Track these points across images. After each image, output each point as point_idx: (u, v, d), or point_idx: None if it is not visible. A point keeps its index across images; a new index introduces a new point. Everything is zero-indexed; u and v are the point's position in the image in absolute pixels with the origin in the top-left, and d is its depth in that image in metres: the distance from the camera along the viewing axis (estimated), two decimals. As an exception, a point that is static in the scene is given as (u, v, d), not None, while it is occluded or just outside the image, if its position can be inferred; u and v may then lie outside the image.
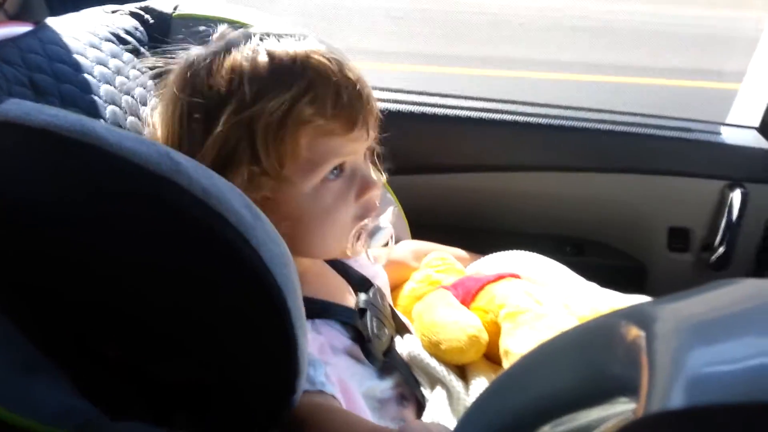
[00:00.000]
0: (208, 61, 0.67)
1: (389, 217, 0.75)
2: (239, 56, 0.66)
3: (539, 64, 3.23)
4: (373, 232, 0.72)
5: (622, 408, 0.28)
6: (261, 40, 0.68)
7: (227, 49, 0.67)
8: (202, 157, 0.63)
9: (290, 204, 0.67)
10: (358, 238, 0.71)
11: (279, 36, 0.69)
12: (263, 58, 0.66)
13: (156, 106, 0.73)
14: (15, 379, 0.45)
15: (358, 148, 0.70)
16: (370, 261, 0.74)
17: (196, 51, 0.70)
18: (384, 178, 0.80)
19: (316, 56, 0.66)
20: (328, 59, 0.67)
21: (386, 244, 0.75)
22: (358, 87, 0.68)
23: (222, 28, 0.74)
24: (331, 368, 0.65)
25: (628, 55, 3.33)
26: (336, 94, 0.66)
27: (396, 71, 3.13)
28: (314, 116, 0.65)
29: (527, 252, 0.99)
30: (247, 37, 0.68)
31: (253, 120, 0.63)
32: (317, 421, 0.59)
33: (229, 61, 0.66)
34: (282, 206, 0.67)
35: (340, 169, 0.69)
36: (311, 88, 0.65)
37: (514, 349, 0.75)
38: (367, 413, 0.68)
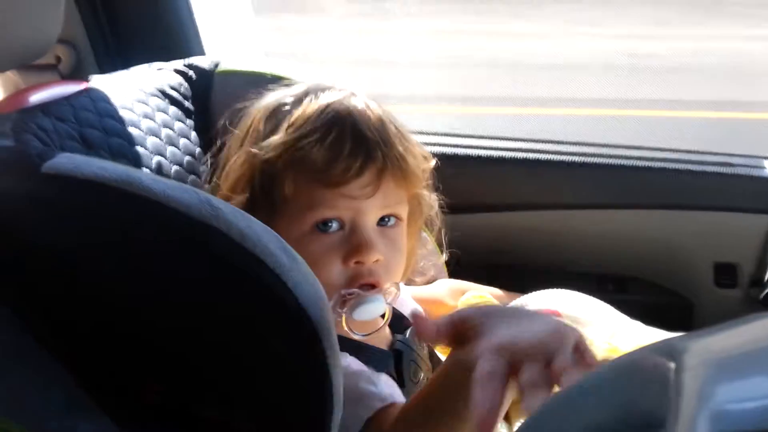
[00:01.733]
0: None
1: (393, 295, 0.68)
2: (277, 100, 0.72)
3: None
4: (360, 303, 0.64)
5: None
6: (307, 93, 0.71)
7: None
8: (224, 180, 0.71)
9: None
10: (343, 305, 0.65)
11: (325, 89, 0.71)
12: (293, 103, 0.70)
13: None
14: (61, 416, 0.47)
15: (360, 206, 0.66)
16: (346, 331, 0.66)
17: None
18: (433, 241, 0.78)
19: (336, 105, 0.67)
20: (348, 111, 0.67)
21: (382, 318, 0.68)
22: (375, 142, 0.66)
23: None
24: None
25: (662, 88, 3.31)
26: (337, 143, 0.65)
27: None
28: (305, 160, 0.65)
29: (568, 290, 0.98)
30: (296, 88, 0.73)
31: (257, 154, 0.68)
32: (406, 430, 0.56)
33: (266, 102, 0.73)
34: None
35: (339, 224, 0.67)
36: (313, 134, 0.65)
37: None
38: None
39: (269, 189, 0.68)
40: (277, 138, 0.67)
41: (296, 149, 0.66)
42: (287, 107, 0.70)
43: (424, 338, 0.45)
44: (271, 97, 0.75)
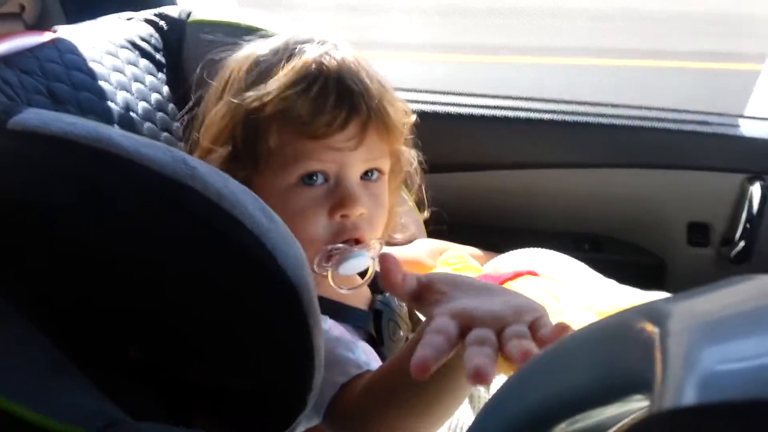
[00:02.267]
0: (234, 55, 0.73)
1: (377, 250, 0.68)
2: (257, 50, 0.70)
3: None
4: (345, 258, 0.64)
5: (637, 406, 0.27)
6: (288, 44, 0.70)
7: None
8: (204, 132, 0.70)
9: (263, 196, 0.61)
10: (328, 259, 0.65)
11: (306, 41, 0.69)
12: (274, 54, 0.69)
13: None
14: (39, 381, 0.46)
15: (345, 158, 0.66)
16: (333, 286, 0.66)
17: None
18: (411, 199, 0.77)
19: (321, 58, 0.66)
20: (333, 63, 0.66)
21: (364, 276, 0.68)
22: (359, 94, 0.66)
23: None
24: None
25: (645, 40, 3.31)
26: (322, 95, 0.64)
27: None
28: (290, 112, 0.64)
29: (545, 249, 0.98)
30: (277, 39, 0.72)
31: (239, 105, 0.66)
32: (380, 398, 0.56)
33: (246, 53, 0.71)
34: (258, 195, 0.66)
35: (324, 177, 0.66)
36: (297, 85, 0.65)
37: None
38: None
39: (253, 141, 0.67)
40: (260, 89, 0.66)
41: (281, 100, 0.65)
42: (269, 59, 0.69)
43: (388, 282, 0.44)
44: (250, 48, 0.73)
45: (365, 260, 0.65)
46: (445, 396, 0.53)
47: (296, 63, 0.66)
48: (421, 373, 0.39)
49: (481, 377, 0.38)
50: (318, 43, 0.69)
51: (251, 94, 0.66)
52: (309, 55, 0.67)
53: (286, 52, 0.68)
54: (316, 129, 0.64)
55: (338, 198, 0.66)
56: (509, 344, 0.41)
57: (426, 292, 0.47)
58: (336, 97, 0.65)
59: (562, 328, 0.42)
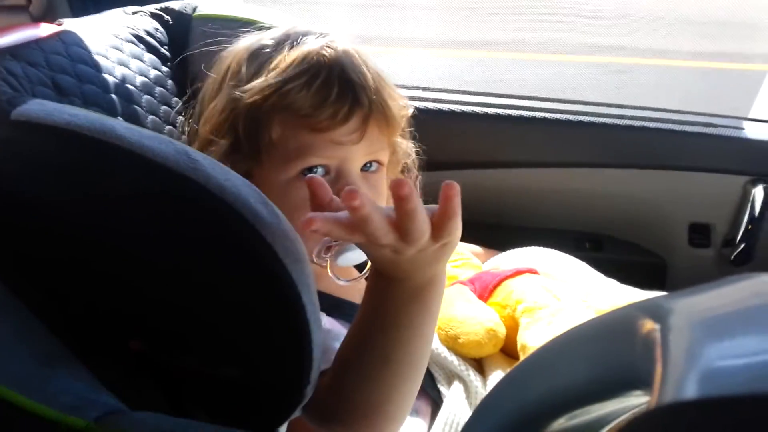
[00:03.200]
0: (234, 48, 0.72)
1: None
2: (257, 42, 0.70)
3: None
4: (344, 249, 0.61)
5: (637, 401, 0.28)
6: (288, 36, 0.69)
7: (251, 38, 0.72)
8: (204, 123, 0.69)
9: (264, 188, 0.60)
10: (327, 251, 0.62)
11: (306, 33, 0.69)
12: (274, 46, 0.68)
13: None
14: (37, 369, 0.46)
15: (347, 153, 0.66)
16: (333, 279, 0.63)
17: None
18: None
19: (322, 50, 0.66)
20: (334, 55, 0.65)
21: (362, 269, 0.66)
22: (361, 87, 0.65)
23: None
24: None
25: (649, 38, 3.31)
26: (324, 87, 0.64)
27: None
28: (292, 105, 0.64)
29: (545, 248, 0.98)
30: (275, 32, 0.71)
31: (241, 97, 0.66)
32: (348, 364, 0.57)
33: (245, 44, 0.71)
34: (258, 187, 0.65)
35: (325, 170, 0.66)
36: (299, 77, 0.64)
37: (531, 343, 0.75)
38: None
39: (254, 134, 0.66)
40: (261, 81, 0.65)
41: (282, 93, 0.64)
42: (268, 50, 0.68)
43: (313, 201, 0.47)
44: (249, 40, 0.72)
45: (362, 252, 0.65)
46: (405, 346, 0.54)
47: (297, 55, 0.65)
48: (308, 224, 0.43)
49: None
50: (318, 35, 0.68)
51: (251, 86, 0.66)
52: (310, 46, 0.66)
53: (287, 44, 0.67)
54: (319, 122, 0.64)
55: (339, 191, 0.65)
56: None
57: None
58: (338, 90, 0.64)
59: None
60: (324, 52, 0.66)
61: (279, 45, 0.68)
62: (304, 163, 0.66)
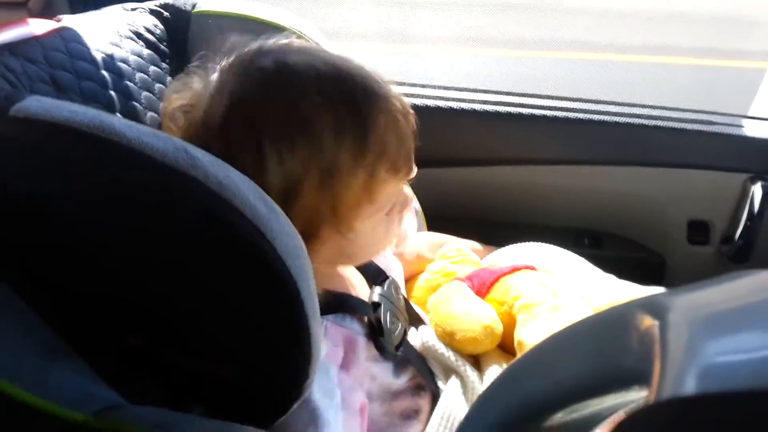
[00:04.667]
0: (273, 88, 0.60)
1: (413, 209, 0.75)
2: (308, 88, 0.60)
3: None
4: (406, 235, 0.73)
5: (635, 396, 0.28)
6: (320, 69, 0.61)
7: (291, 78, 0.61)
8: (266, 184, 0.57)
9: (347, 240, 0.65)
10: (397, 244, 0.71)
11: (343, 69, 0.63)
12: (333, 100, 0.60)
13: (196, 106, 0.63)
14: (36, 363, 0.46)
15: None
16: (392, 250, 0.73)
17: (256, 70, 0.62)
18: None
19: (385, 105, 0.63)
20: (397, 110, 0.64)
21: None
22: (411, 128, 0.66)
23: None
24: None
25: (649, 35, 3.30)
26: (404, 149, 0.65)
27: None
28: (388, 177, 0.64)
29: (544, 244, 0.99)
30: (308, 66, 0.61)
31: (331, 172, 0.60)
32: None
33: (299, 93, 0.60)
34: (339, 242, 0.66)
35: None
36: (386, 152, 0.62)
37: (528, 340, 0.75)
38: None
39: (342, 205, 0.64)
40: (353, 159, 0.61)
41: (380, 169, 0.63)
42: (352, 118, 0.61)
43: None
44: (277, 94, 0.61)
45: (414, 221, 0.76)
46: None
47: (377, 117, 0.62)
48: None
49: None
50: (355, 66, 0.64)
51: (345, 166, 0.61)
52: (370, 92, 0.62)
53: (358, 107, 0.61)
54: (405, 173, 0.66)
55: (404, 204, 0.71)
56: None
57: None
58: (409, 140, 0.65)
59: None
60: (390, 110, 0.63)
61: (354, 110, 0.61)
62: (390, 205, 0.68)
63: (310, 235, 0.61)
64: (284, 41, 0.66)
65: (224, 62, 0.64)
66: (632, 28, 3.30)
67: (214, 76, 0.63)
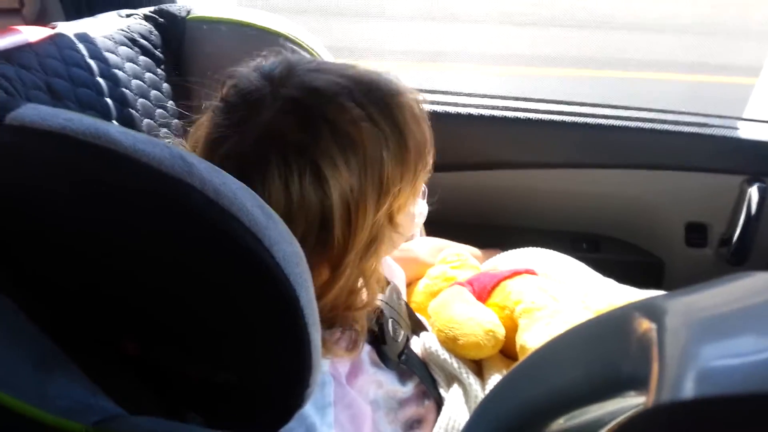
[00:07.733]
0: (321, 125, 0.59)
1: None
2: (343, 104, 0.60)
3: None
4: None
5: (634, 402, 0.27)
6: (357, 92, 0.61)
7: (323, 100, 0.60)
8: (359, 240, 0.61)
9: (397, 233, 0.69)
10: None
11: (365, 78, 0.63)
12: (367, 109, 0.61)
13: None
14: (33, 373, 0.46)
15: None
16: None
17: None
18: None
19: (407, 101, 0.65)
20: (416, 102, 0.67)
21: None
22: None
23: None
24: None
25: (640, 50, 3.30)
26: (430, 140, 0.68)
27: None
28: (424, 172, 0.69)
29: (543, 249, 0.98)
30: (332, 83, 0.61)
31: (381, 179, 0.61)
32: None
33: (337, 111, 0.59)
34: (391, 237, 0.68)
35: None
36: (422, 149, 0.66)
37: (530, 344, 0.75)
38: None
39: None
40: (403, 181, 0.64)
41: (420, 180, 0.68)
42: (390, 140, 0.61)
43: None
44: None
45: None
46: None
47: (405, 116, 0.64)
48: None
49: None
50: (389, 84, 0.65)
51: (402, 192, 0.64)
52: (406, 99, 0.65)
53: (391, 111, 0.63)
54: (430, 157, 0.69)
55: (422, 195, 0.75)
56: None
57: None
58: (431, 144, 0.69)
59: None
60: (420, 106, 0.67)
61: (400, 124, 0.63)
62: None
63: (373, 240, 0.63)
64: (284, 64, 0.64)
65: (241, 95, 0.61)
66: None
67: (242, 116, 0.60)
